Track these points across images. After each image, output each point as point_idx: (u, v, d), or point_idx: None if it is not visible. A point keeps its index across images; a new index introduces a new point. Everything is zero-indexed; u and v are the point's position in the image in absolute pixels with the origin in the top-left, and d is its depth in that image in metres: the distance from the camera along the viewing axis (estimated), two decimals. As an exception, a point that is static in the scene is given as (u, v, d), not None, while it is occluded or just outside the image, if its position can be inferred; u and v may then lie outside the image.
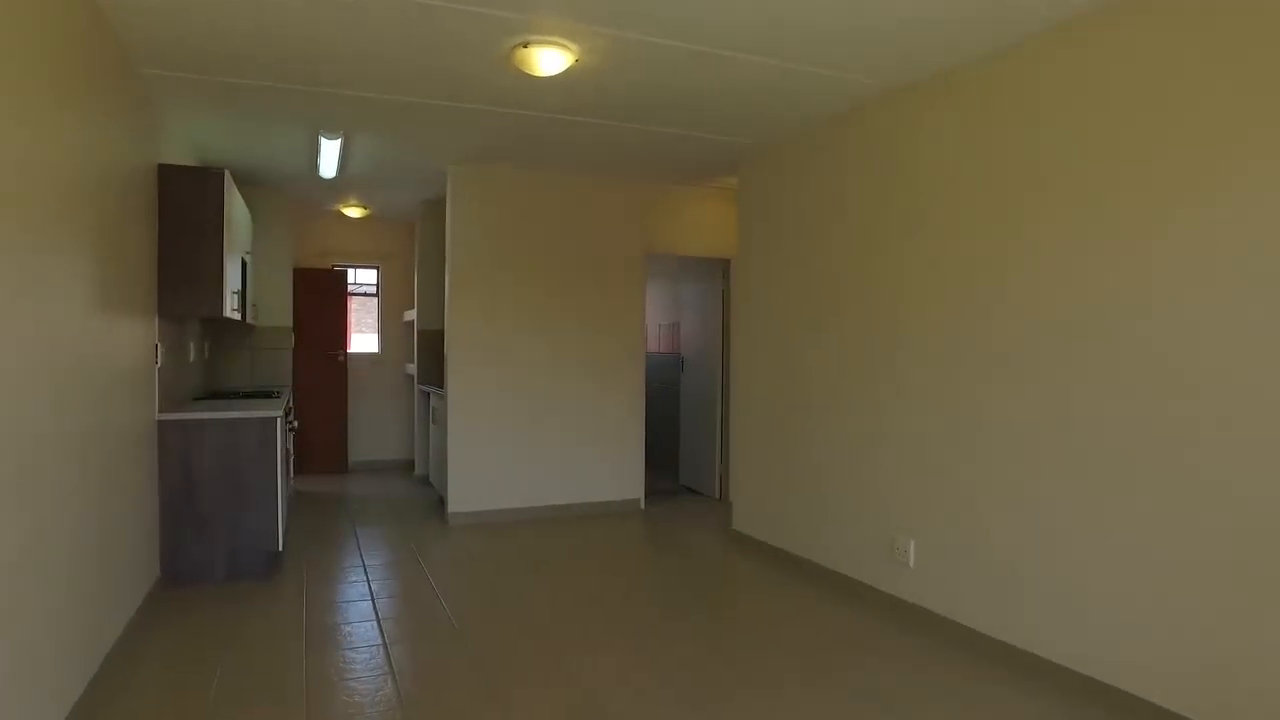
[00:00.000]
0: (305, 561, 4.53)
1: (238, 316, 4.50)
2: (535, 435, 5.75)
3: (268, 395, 5.09)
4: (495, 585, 4.12)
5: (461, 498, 5.55)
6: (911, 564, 3.72)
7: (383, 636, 3.40)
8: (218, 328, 6.14)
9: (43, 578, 2.32)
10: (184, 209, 3.93)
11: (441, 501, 6.15)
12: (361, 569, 4.41)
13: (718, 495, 6.59)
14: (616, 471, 6.06)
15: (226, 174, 4.06)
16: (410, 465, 7.91)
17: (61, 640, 2.46)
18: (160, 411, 3.89)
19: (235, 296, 4.38)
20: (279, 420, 4.12)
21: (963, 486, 3.45)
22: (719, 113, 4.18)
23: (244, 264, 4.97)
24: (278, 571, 4.25)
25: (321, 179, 5.87)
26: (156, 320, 3.86)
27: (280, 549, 4.15)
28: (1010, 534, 3.22)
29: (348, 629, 3.48)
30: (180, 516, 3.92)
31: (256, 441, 4.05)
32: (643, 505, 6.15)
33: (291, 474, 5.96)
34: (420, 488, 6.91)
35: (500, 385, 5.64)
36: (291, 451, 5.87)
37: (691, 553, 4.86)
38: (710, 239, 6.39)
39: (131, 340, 3.40)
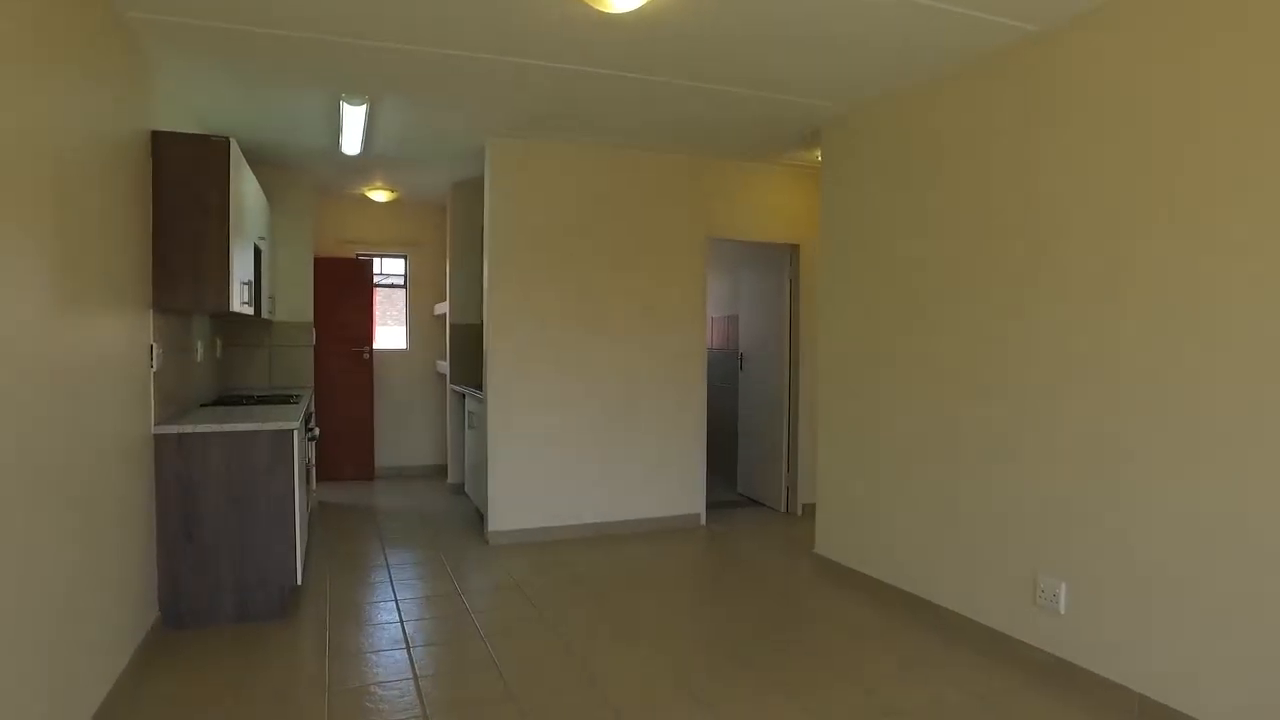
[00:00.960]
0: (328, 594, 3.92)
1: (249, 310, 3.90)
2: (585, 443, 5.11)
3: (285, 399, 4.49)
4: (550, 629, 3.49)
5: (503, 514, 4.92)
6: (1062, 610, 3.03)
7: (422, 703, 2.77)
8: (230, 324, 5.56)
9: (9, 632, 1.71)
10: (183, 184, 3.32)
11: (480, 516, 5.53)
12: (393, 605, 3.80)
13: (784, 508, 5.92)
14: (675, 482, 5.40)
15: (232, 142, 3.44)
16: (443, 471, 7.31)
17: (37, 701, 1.85)
18: (157, 423, 3.29)
19: (245, 288, 3.78)
20: (296, 433, 3.51)
21: (1138, 517, 2.74)
22: (814, 69, 3.49)
23: (257, 252, 4.36)
24: (295, 610, 3.64)
25: (344, 157, 5.25)
26: (152, 316, 3.26)
27: (299, 582, 3.55)
28: (1210, 581, 2.51)
29: (377, 691, 2.86)
30: (181, 547, 3.32)
31: (271, 458, 3.44)
32: (703, 520, 5.49)
33: (313, 484, 5.37)
34: (454, 498, 6.30)
35: (546, 387, 5.00)
36: (313, 460, 5.28)
37: (771, 583, 4.20)
38: (777, 222, 5.69)
39: (119, 341, 2.80)
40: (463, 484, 6.41)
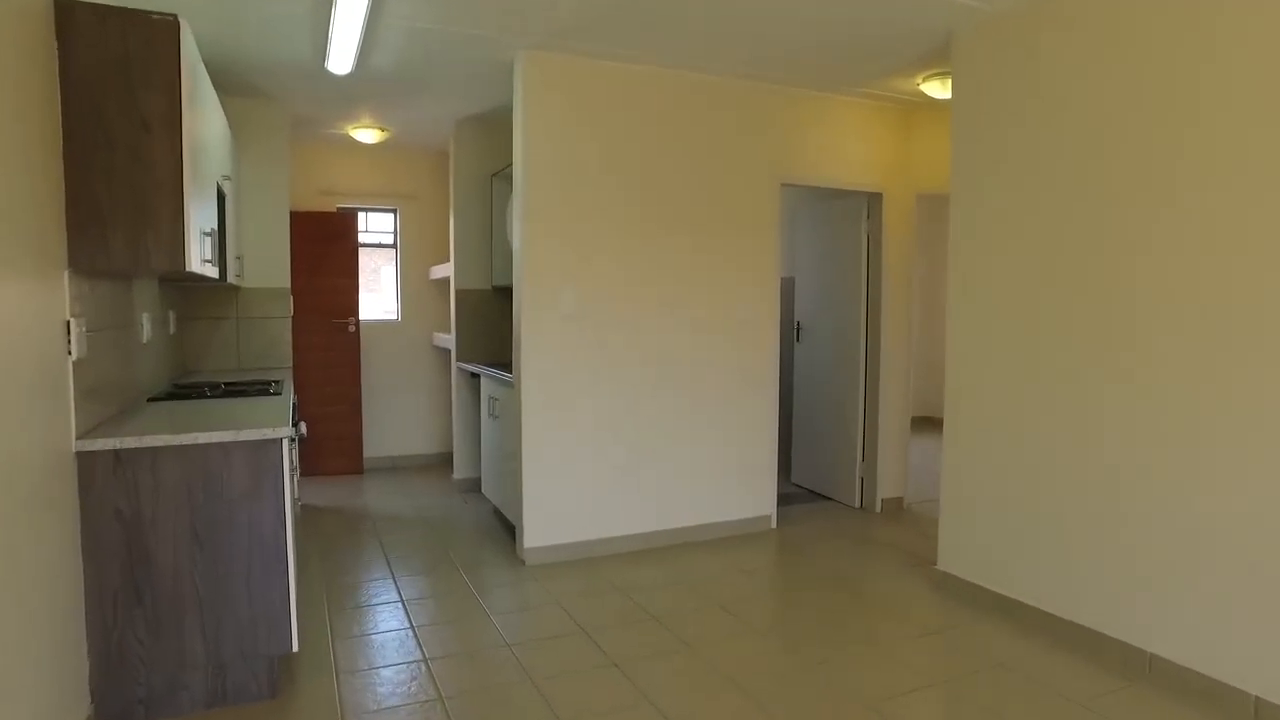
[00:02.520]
0: (333, 655, 2.95)
1: (212, 273, 2.86)
2: (640, 435, 4.15)
3: (263, 388, 3.46)
4: (642, 696, 2.55)
5: (542, 526, 3.96)
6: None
7: None
8: (187, 291, 4.47)
9: None
10: (110, 83, 2.25)
11: (504, 523, 4.56)
12: (423, 669, 2.83)
13: (858, 503, 5.04)
14: (743, 479, 4.48)
15: (183, 24, 2.36)
16: (446, 462, 6.31)
17: None
18: (82, 435, 2.26)
19: (207, 242, 2.73)
20: (285, 442, 2.50)
21: None
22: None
23: (220, 196, 3.30)
24: (290, 686, 2.66)
25: (329, 80, 4.15)
26: (67, 280, 2.22)
27: (295, 648, 2.56)
28: None
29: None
30: (126, 611, 2.32)
31: (252, 478, 2.43)
32: (774, 523, 4.59)
33: (296, 490, 4.38)
34: (467, 499, 5.32)
35: (593, 368, 4.02)
36: (296, 461, 4.26)
37: (893, 610, 3.31)
38: (856, 165, 4.72)
39: (9, 317, 1.77)
40: (476, 480, 5.42)
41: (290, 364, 4.78)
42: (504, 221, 5.26)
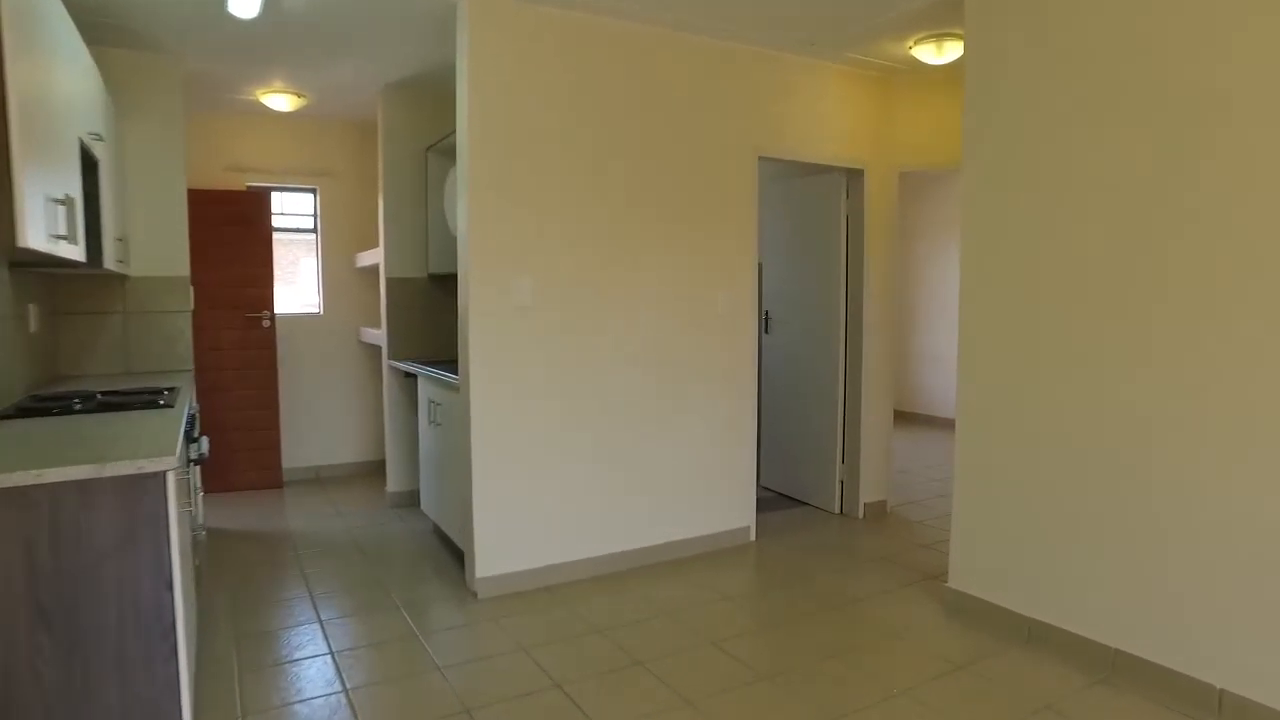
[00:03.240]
0: (241, 729, 2.34)
1: (71, 253, 2.20)
2: (605, 444, 3.64)
3: (151, 398, 2.80)
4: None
5: (496, 553, 3.40)
6: None
7: None
8: (59, 280, 3.73)
9: None
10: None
11: (450, 548, 3.98)
12: (358, 746, 2.26)
13: (839, 508, 4.64)
14: (722, 488, 4.01)
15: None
16: (378, 471, 5.65)
17: None
18: None
19: (60, 212, 2.09)
20: (171, 476, 1.88)
21: None
22: None
23: (88, 159, 2.63)
24: (186, 790, 2.06)
25: (232, 27, 3.48)
26: None
27: (190, 744, 1.95)
28: None
29: None
30: (-58, 716, 1.68)
31: (121, 525, 1.81)
32: (753, 535, 4.14)
33: (199, 512, 3.71)
34: (404, 514, 4.70)
35: (553, 368, 3.48)
36: (198, 484, 3.59)
37: (912, 641, 2.89)
38: (836, 138, 4.30)
39: None
40: (413, 494, 4.81)
41: (191, 366, 4.08)
42: (441, 200, 4.65)
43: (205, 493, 4.96)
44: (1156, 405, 2.53)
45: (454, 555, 3.88)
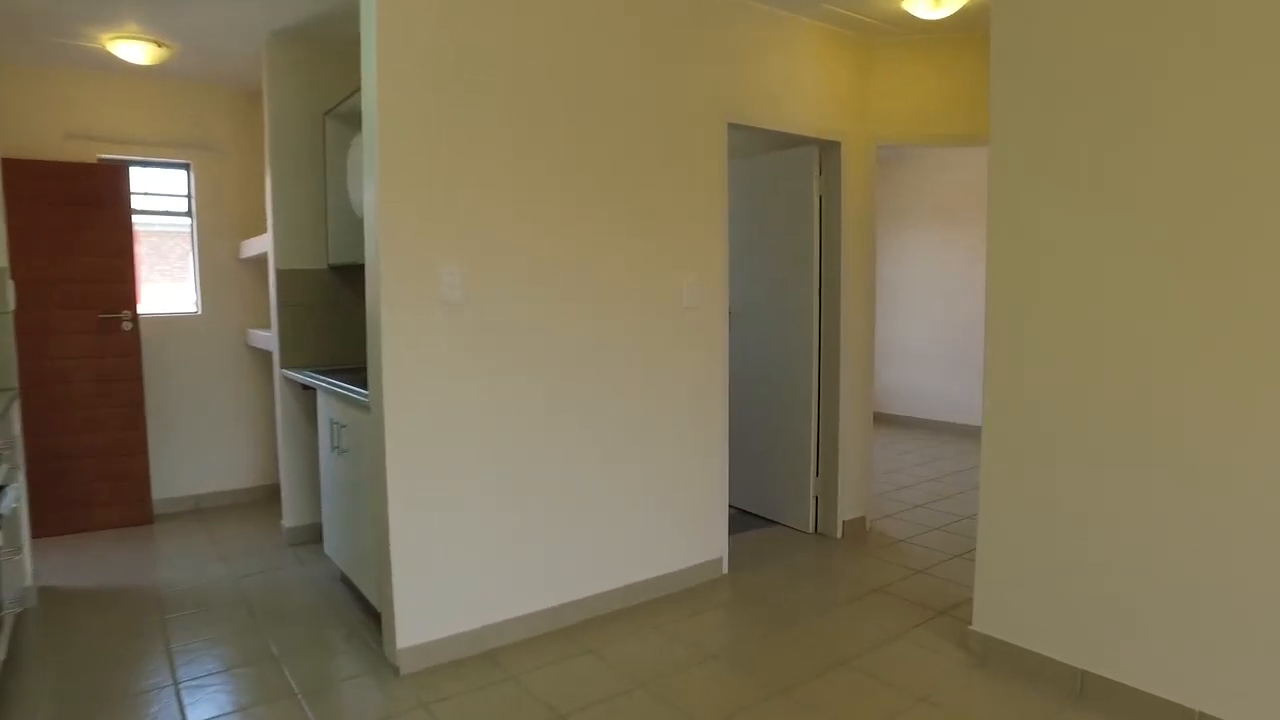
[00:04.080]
0: None
1: None
2: (556, 468, 2.97)
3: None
4: None
5: (423, 615, 2.69)
6: None
7: None
8: None
9: None
10: None
11: (361, 603, 3.23)
12: None
13: (813, 527, 4.11)
14: (691, 516, 3.41)
15: None
16: (272, 496, 4.80)
17: None
18: None
19: None
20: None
21: None
22: None
23: None
24: None
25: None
26: None
27: None
28: None
29: None
30: None
31: None
32: (725, 567, 3.56)
33: (23, 566, 2.85)
34: (302, 556, 3.90)
35: (489, 379, 2.79)
36: (23, 518, 2.75)
37: (949, 706, 2.35)
38: (810, 105, 3.75)
39: None
40: (315, 529, 4.02)
41: (15, 384, 3.18)
42: (344, 176, 3.86)
43: (43, 537, 4.03)
44: (1234, 415, 2.06)
45: (369, 612, 3.14)
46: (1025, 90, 2.50)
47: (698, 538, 3.43)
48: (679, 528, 3.35)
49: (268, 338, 4.29)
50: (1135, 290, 2.27)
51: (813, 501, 4.10)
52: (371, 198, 2.57)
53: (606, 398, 3.07)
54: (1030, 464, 2.55)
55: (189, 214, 4.72)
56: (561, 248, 2.91)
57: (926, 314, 7.07)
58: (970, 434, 6.74)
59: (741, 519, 4.34)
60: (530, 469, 2.89)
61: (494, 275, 2.76)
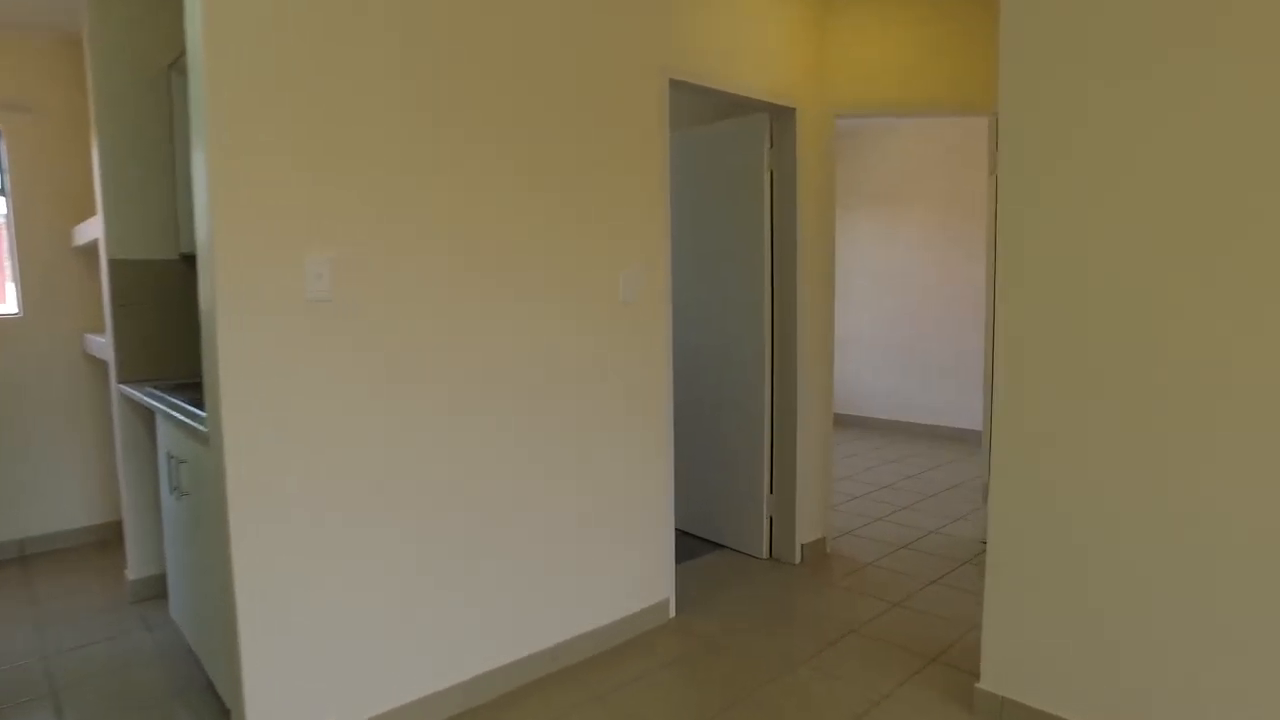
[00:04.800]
0: None
1: None
2: (458, 508, 2.34)
3: None
4: None
5: (286, 709, 2.02)
6: None
7: None
8: None
9: None
10: None
11: (214, 695, 2.51)
12: None
13: (767, 552, 3.60)
14: (630, 553, 2.83)
15: None
16: (112, 537, 3.97)
17: None
18: None
19: None
20: None
21: None
22: None
23: None
24: None
25: None
26: None
27: None
28: None
29: None
30: None
31: None
32: (673, 609, 3.00)
33: None
34: (150, 611, 3.13)
35: (368, 399, 2.13)
36: None
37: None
38: (762, 66, 3.21)
39: None
40: (158, 581, 3.25)
41: None
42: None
43: None
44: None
45: (219, 702, 2.44)
46: (1044, 59, 2.01)
47: (640, 579, 2.86)
48: (618, 569, 2.77)
49: (102, 342, 3.48)
50: (1187, 309, 1.81)
51: (766, 523, 3.59)
52: (202, 163, 1.88)
53: (526, 415, 2.46)
54: (1050, 503, 2.08)
55: (2, 193, 3.83)
56: (467, 231, 2.28)
57: (870, 306, 6.70)
58: (920, 433, 6.41)
59: (685, 543, 3.79)
60: (428, 512, 2.25)
61: (378, 265, 2.10)
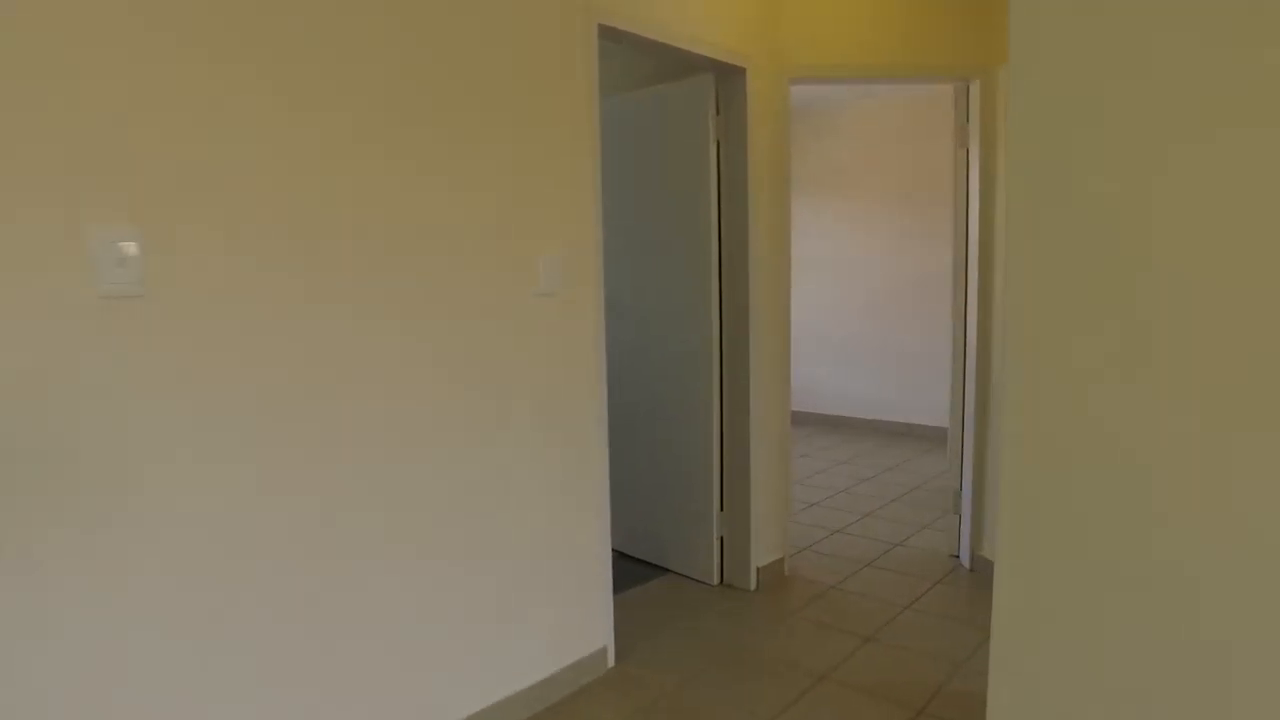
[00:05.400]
0: None
1: None
2: (312, 568, 1.81)
3: None
4: None
5: None
6: None
7: None
8: None
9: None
10: None
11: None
12: None
13: (717, 577, 3.17)
14: (555, 599, 2.34)
15: None
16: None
17: None
18: None
19: None
20: None
21: None
22: None
23: None
24: None
25: None
26: None
27: None
28: None
29: None
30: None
31: None
32: (611, 657, 2.53)
33: None
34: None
35: (178, 426, 1.59)
36: None
37: None
38: (706, 17, 2.75)
39: None
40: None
41: None
42: None
43: None
44: None
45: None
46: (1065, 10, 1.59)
47: (569, 627, 2.38)
48: (542, 618, 2.29)
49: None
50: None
51: (717, 544, 3.16)
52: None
53: (415, 447, 1.95)
54: (1081, 538, 1.68)
55: None
56: (329, 201, 1.75)
57: (816, 297, 6.34)
58: (868, 430, 6.10)
59: (625, 568, 3.33)
60: (261, 570, 1.72)
61: (204, 245, 1.56)
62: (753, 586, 3.10)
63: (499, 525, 2.14)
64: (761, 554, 3.13)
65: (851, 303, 6.15)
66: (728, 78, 2.92)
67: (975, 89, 3.06)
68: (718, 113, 2.97)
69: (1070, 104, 1.61)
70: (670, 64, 3.13)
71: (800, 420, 6.43)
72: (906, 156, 5.74)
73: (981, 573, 3.16)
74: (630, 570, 3.31)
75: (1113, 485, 1.59)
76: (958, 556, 3.37)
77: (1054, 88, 1.62)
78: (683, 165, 3.05)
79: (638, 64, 3.31)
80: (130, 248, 1.47)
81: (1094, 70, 1.58)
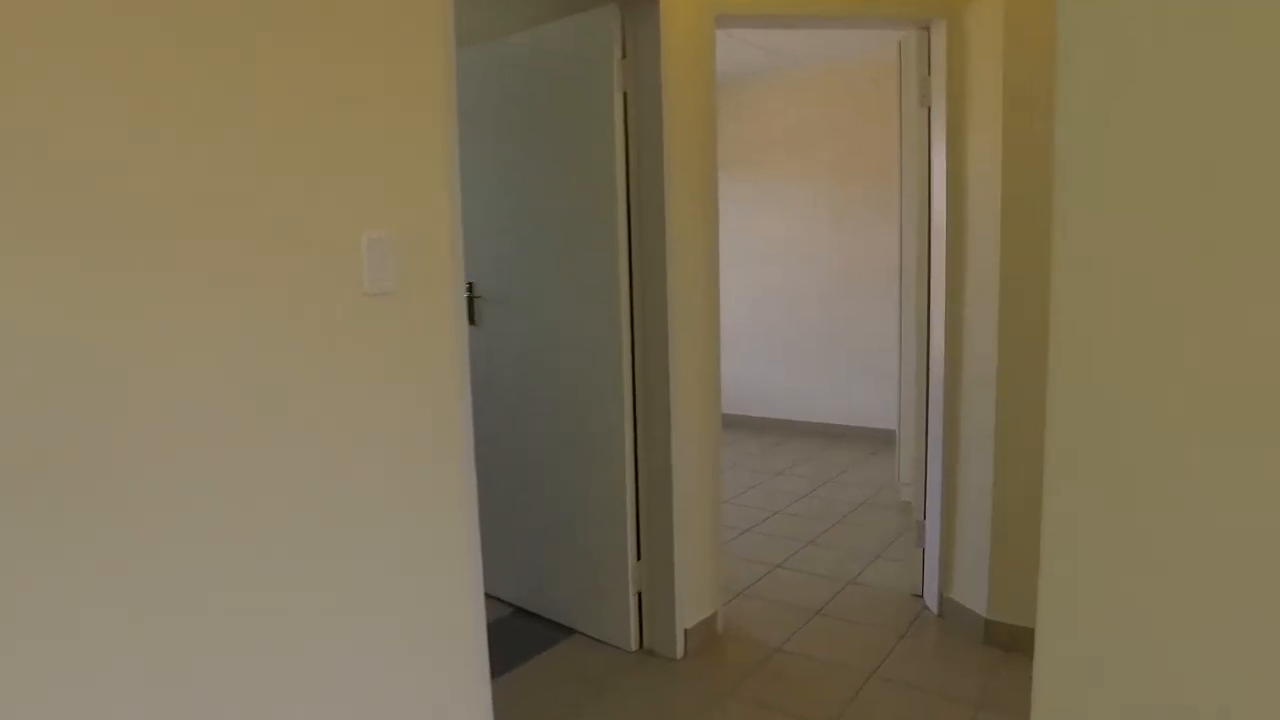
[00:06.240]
0: None
1: None
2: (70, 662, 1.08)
3: None
4: None
5: None
6: None
7: None
8: None
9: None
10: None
11: None
12: None
13: (635, 642, 2.53)
14: (404, 706, 1.65)
15: None
16: None
17: None
18: None
19: None
20: None
21: None
22: None
23: None
24: None
25: None
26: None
27: None
28: None
29: None
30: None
31: None
32: (491, 786, 1.86)
33: None
34: None
35: None
36: None
37: None
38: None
39: None
40: None
41: None
42: None
43: None
44: None
45: None
46: None
47: (439, 706, 1.70)
48: (388, 695, 1.60)
49: None
50: None
51: (634, 601, 2.52)
52: None
53: (192, 513, 1.24)
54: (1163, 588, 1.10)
55: None
56: (68, 150, 1.02)
57: (738, 289, 5.78)
58: (798, 432, 5.58)
59: (520, 628, 2.67)
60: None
61: None
62: (679, 654, 2.48)
63: (332, 621, 1.44)
64: (689, 611, 2.51)
65: (785, 296, 5.61)
66: (636, 9, 2.27)
67: (939, 32, 2.50)
68: (624, 55, 2.31)
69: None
70: (563, -7, 2.46)
71: (723, 424, 5.87)
72: (840, 132, 5.22)
73: (952, 619, 2.63)
74: (530, 632, 2.65)
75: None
76: (920, 596, 2.84)
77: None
78: (580, 123, 2.39)
79: (524, -3, 2.62)
80: None
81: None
